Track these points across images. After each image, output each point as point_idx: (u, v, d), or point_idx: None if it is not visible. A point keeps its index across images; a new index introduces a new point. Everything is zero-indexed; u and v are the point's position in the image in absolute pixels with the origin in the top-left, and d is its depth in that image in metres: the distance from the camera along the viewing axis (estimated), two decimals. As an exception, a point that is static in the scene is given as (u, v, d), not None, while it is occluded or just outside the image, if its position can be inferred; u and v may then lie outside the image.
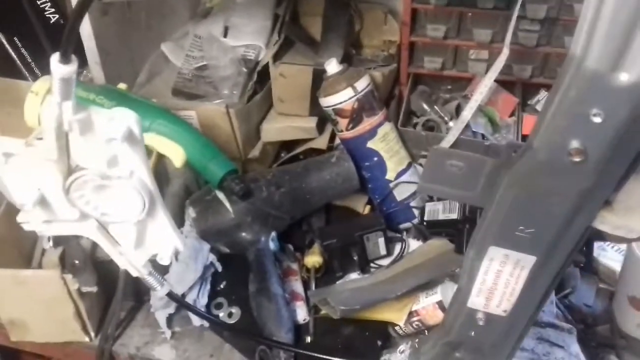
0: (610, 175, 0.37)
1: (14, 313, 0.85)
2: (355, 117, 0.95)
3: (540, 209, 0.40)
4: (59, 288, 0.79)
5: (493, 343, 0.52)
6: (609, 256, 0.98)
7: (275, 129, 1.09)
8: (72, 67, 0.42)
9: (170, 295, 0.63)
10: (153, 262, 0.59)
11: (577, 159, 0.35)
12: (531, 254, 0.44)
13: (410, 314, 0.84)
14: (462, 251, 0.86)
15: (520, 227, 0.42)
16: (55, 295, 0.80)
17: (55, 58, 0.43)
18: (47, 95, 0.87)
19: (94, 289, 0.82)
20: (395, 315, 0.83)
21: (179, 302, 0.76)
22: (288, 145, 1.15)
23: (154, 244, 0.57)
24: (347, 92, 0.93)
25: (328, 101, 0.95)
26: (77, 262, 0.83)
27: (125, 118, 0.46)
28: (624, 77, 0.31)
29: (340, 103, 0.94)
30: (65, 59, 0.43)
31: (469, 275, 0.47)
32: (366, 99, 0.95)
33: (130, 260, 0.57)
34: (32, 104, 0.88)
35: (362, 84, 0.94)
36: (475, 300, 0.48)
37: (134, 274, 0.59)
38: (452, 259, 0.86)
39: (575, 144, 0.34)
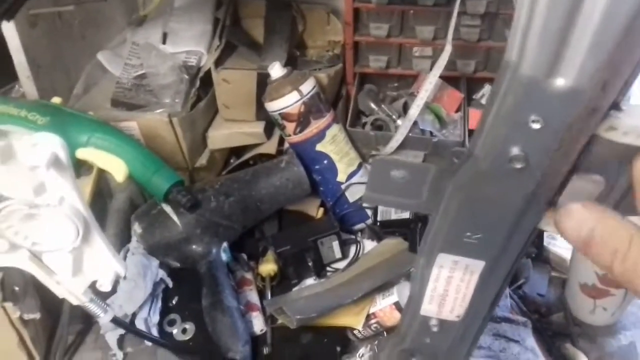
0: (553, 178, 0.37)
1: (-48, 348, 0.80)
2: (302, 121, 0.93)
3: (486, 215, 0.39)
4: (-2, 318, 0.75)
5: (448, 348, 0.51)
6: (559, 245, 1.00)
7: (222, 135, 1.06)
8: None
9: (115, 321, 0.60)
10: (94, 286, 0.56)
11: (518, 166, 0.34)
12: (480, 259, 0.43)
13: (368, 317, 0.83)
14: (415, 250, 0.86)
15: (467, 233, 0.41)
16: (-6, 326, 0.76)
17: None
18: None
19: (37, 315, 0.78)
20: (352, 319, 0.82)
21: (126, 328, 0.73)
22: (237, 151, 1.12)
23: (92, 270, 0.54)
24: (293, 96, 0.92)
25: (273, 106, 0.93)
26: (16, 288, 0.78)
27: (49, 143, 0.43)
28: (560, 83, 0.31)
29: (286, 107, 0.92)
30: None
31: (420, 282, 0.47)
32: (312, 102, 0.93)
33: (69, 289, 0.54)
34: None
35: (308, 86, 0.93)
36: (428, 308, 0.47)
37: (74, 302, 0.56)
38: (407, 259, 0.86)
39: (515, 150, 0.34)
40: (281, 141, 1.06)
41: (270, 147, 1.05)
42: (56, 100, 0.91)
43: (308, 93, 0.92)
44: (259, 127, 1.05)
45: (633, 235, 0.30)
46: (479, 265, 0.44)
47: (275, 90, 0.93)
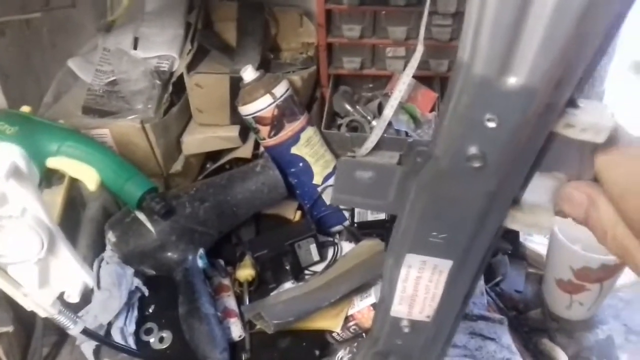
0: (514, 176, 0.37)
1: None
2: (276, 124, 0.93)
3: (449, 215, 0.39)
4: (-32, 333, 0.73)
5: (421, 348, 0.51)
6: (535, 241, 1.01)
7: (196, 140, 1.06)
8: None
9: (86, 332, 0.59)
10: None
11: (476, 165, 0.34)
12: (447, 258, 0.43)
13: (347, 319, 0.83)
14: (392, 250, 0.86)
15: (434, 233, 0.41)
16: (-36, 342, 0.74)
17: None
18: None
19: (10, 328, 0.77)
20: (331, 322, 0.82)
21: (98, 339, 0.72)
22: (213, 156, 1.12)
23: (60, 281, 0.53)
24: (266, 99, 0.91)
25: (247, 109, 0.93)
26: (-14, 302, 0.77)
27: (7, 153, 0.42)
28: (512, 81, 0.31)
29: (260, 111, 0.92)
30: None
31: (390, 283, 0.47)
32: (286, 105, 0.93)
33: (37, 301, 0.53)
34: None
35: (281, 89, 0.92)
36: (398, 309, 0.47)
37: (42, 314, 0.55)
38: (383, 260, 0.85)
39: (473, 150, 0.34)
40: (257, 145, 1.06)
41: (245, 151, 1.04)
42: (25, 109, 0.89)
43: (281, 96, 0.92)
44: (233, 131, 1.04)
45: (618, 220, 0.33)
46: (447, 264, 0.44)
47: (248, 94, 0.92)
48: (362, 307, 0.83)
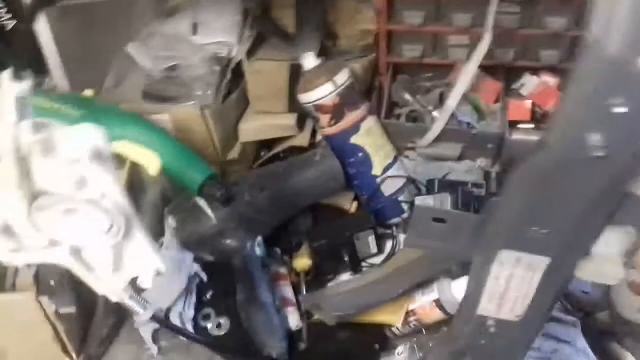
0: (631, 169, 0.34)
1: (-9, 341, 0.79)
2: (336, 113, 0.91)
3: (556, 208, 0.37)
4: (35, 311, 0.74)
5: (504, 348, 0.49)
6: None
7: (253, 128, 1.05)
8: (26, 84, 0.38)
9: (155, 317, 0.59)
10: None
11: (597, 154, 0.32)
12: (545, 255, 0.41)
13: (407, 314, 0.81)
14: (456, 245, 0.83)
15: (534, 228, 0.39)
16: (31, 319, 0.75)
17: (6, 76, 0.38)
18: None
19: (72, 309, 0.78)
20: (391, 316, 0.80)
21: (165, 324, 0.72)
22: (268, 143, 1.11)
23: (132, 266, 0.53)
24: (327, 87, 0.89)
25: (307, 97, 0.91)
26: (52, 282, 0.77)
27: (90, 135, 0.42)
28: (651, 63, 0.28)
29: (320, 99, 0.90)
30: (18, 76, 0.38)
31: (478, 281, 0.44)
32: (347, 93, 0.91)
33: (109, 285, 0.53)
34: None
35: (342, 77, 0.90)
36: (486, 307, 0.45)
37: (114, 299, 0.54)
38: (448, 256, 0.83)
39: (595, 138, 0.31)
40: (313, 133, 1.05)
41: (302, 139, 1.03)
42: (88, 92, 0.90)
43: (343, 84, 0.90)
44: (291, 120, 1.03)
45: None
46: (543, 262, 0.41)
47: (308, 82, 0.91)
48: (423, 303, 0.80)
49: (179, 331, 0.75)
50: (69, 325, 0.80)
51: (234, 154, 1.04)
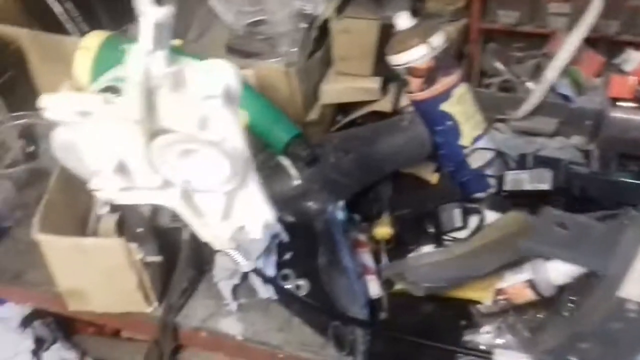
0: None
1: (74, 283, 0.80)
2: (429, 77, 0.87)
3: None
4: (122, 258, 0.74)
5: (636, 337, 0.45)
6: None
7: (335, 90, 1.02)
8: (169, 9, 0.35)
9: (256, 270, 0.57)
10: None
11: None
12: None
13: (496, 292, 0.77)
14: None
15: None
16: (118, 265, 0.75)
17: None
18: (100, 50, 0.81)
19: (158, 258, 0.77)
20: (481, 294, 0.76)
21: (266, 279, 0.70)
22: (345, 107, 1.08)
23: (242, 215, 0.51)
24: (421, 49, 0.85)
25: (399, 59, 0.87)
26: (139, 230, 0.77)
27: (224, 72, 0.40)
28: None
29: (414, 61, 0.86)
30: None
31: (624, 260, 0.40)
32: (442, 57, 0.86)
33: (216, 233, 0.51)
34: (83, 61, 0.82)
35: (438, 40, 0.86)
36: (630, 290, 0.41)
37: (218, 247, 0.53)
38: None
39: None
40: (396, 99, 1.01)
41: (385, 104, 1.00)
42: (176, 42, 0.88)
43: (438, 47, 0.86)
44: (375, 83, 0.99)
45: None
46: None
47: (401, 42, 0.87)
48: (514, 282, 0.76)
49: (280, 288, 0.74)
50: (153, 274, 0.80)
51: (313, 115, 1.02)
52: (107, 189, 0.47)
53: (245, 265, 0.55)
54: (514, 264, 0.78)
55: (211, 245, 0.52)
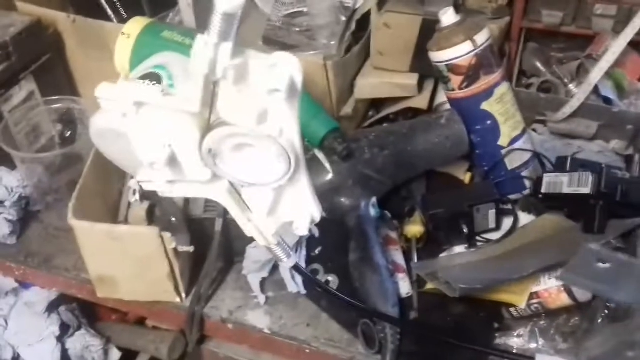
0: None
1: (104, 270, 0.80)
2: (471, 75, 0.85)
3: None
4: (156, 247, 0.74)
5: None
6: None
7: (371, 85, 1.00)
8: (240, 0, 0.34)
9: (296, 267, 0.57)
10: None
11: None
12: None
13: (530, 296, 0.76)
14: (592, 231, 0.77)
15: None
16: (150, 254, 0.75)
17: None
18: (140, 37, 0.81)
19: (191, 248, 0.77)
20: (516, 297, 0.75)
21: (308, 277, 0.69)
22: (376, 103, 1.06)
23: (288, 211, 0.50)
24: (465, 46, 0.83)
25: (442, 56, 0.85)
26: (173, 219, 0.77)
27: (289, 66, 0.39)
28: None
29: (456, 58, 0.84)
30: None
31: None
32: (485, 55, 0.84)
33: (260, 228, 0.51)
34: (124, 48, 0.81)
35: (483, 37, 0.84)
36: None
37: (262, 243, 0.52)
38: (579, 240, 0.77)
39: None
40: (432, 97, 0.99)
41: (422, 101, 0.98)
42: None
43: (482, 44, 0.84)
44: (412, 79, 0.97)
45: None
46: None
47: (445, 39, 0.85)
48: (550, 286, 0.75)
49: (321, 286, 0.73)
50: (183, 263, 0.80)
51: (347, 110, 1.00)
52: (154, 181, 0.46)
53: (288, 262, 0.54)
54: (550, 267, 0.77)
55: (256, 240, 0.51)
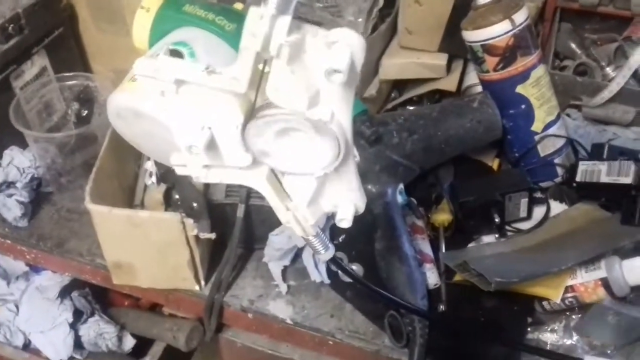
0: None
1: (122, 256, 0.77)
2: (507, 56, 0.81)
3: None
4: (177, 233, 0.70)
5: None
6: None
7: (397, 65, 0.96)
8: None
9: (334, 260, 0.53)
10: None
11: None
12: None
13: (565, 290, 0.73)
14: (631, 222, 0.74)
15: None
16: (171, 241, 0.72)
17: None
18: (160, 11, 0.76)
19: (212, 235, 0.74)
20: (551, 291, 0.72)
21: (342, 268, 0.66)
22: (399, 85, 1.02)
23: (330, 201, 0.47)
24: (503, 26, 0.79)
25: (477, 35, 0.81)
26: (195, 205, 0.74)
27: (350, 43, 0.35)
28: None
29: (493, 38, 0.80)
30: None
31: None
32: (523, 35, 0.80)
33: (299, 218, 0.47)
34: (142, 22, 0.77)
35: (521, 16, 0.79)
36: None
37: (299, 233, 0.49)
38: (619, 231, 0.74)
39: None
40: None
41: (450, 83, 0.94)
42: (238, 5, 0.83)
43: (521, 24, 0.79)
44: (442, 59, 0.93)
45: None
46: None
47: (482, 17, 0.80)
48: (587, 280, 0.72)
49: (356, 279, 0.70)
50: (204, 251, 0.77)
51: (372, 91, 0.96)
52: (189, 166, 0.43)
53: (326, 254, 0.50)
54: (588, 260, 0.73)
55: (294, 231, 0.48)
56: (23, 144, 0.89)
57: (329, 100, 0.38)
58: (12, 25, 0.85)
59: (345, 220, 0.46)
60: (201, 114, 0.40)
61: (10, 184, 0.87)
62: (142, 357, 0.92)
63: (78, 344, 0.91)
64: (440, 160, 0.87)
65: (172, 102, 0.39)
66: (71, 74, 0.90)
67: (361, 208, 0.46)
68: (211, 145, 0.42)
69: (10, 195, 0.86)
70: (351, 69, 0.35)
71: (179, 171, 0.45)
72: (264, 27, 0.33)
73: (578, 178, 0.83)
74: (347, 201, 0.46)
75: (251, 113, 0.39)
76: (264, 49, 0.34)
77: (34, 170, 0.88)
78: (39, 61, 0.92)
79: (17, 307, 0.94)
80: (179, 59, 0.38)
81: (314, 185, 0.44)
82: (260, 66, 0.37)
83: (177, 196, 0.81)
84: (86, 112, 0.90)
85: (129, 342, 0.93)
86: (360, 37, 0.36)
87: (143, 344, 0.94)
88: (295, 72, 0.35)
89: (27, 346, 0.94)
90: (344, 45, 0.35)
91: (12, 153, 0.88)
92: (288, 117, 0.38)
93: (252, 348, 0.85)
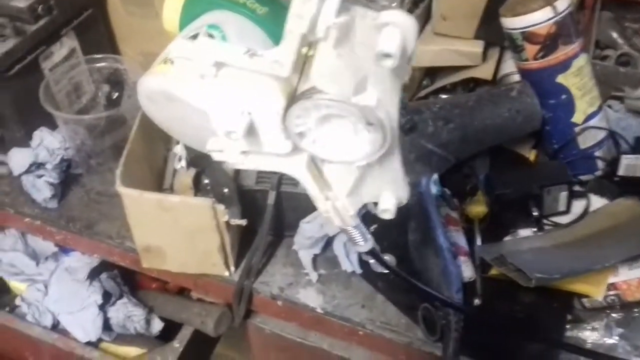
0: None
1: (152, 240, 0.76)
2: (548, 44, 0.78)
3: None
4: (208, 219, 0.70)
5: None
6: None
7: (431, 52, 0.93)
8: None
9: (373, 252, 0.52)
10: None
11: None
12: None
13: (607, 287, 0.70)
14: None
15: None
16: (202, 226, 0.71)
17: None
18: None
19: (243, 221, 0.73)
20: (592, 288, 0.70)
21: (382, 261, 0.64)
22: (431, 72, 0.99)
23: (371, 192, 0.45)
24: (545, 13, 0.76)
25: (517, 22, 0.78)
26: (226, 190, 0.73)
27: (402, 26, 0.33)
28: None
29: (534, 25, 0.77)
30: None
31: None
32: (565, 23, 0.77)
33: (338, 208, 0.46)
34: (173, 5, 0.75)
35: (564, 3, 0.76)
36: None
37: (338, 224, 0.47)
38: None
39: None
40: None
41: (486, 71, 0.91)
42: (271, -11, 0.81)
43: (563, 11, 0.76)
44: (478, 47, 0.90)
45: None
46: None
47: (522, 4, 0.77)
48: (630, 278, 0.70)
49: (394, 271, 0.68)
50: (233, 237, 0.76)
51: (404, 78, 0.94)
52: (227, 152, 0.41)
53: (365, 246, 0.49)
54: (631, 257, 0.71)
55: (333, 221, 0.46)
56: (52, 126, 0.89)
57: (377, 86, 0.36)
58: (41, 5, 0.85)
59: (388, 212, 0.45)
60: (241, 99, 0.38)
61: (40, 165, 0.87)
62: (169, 340, 0.92)
63: (106, 326, 0.92)
64: (476, 150, 0.84)
65: (211, 85, 0.38)
66: (100, 55, 0.90)
67: (404, 199, 0.45)
68: (250, 131, 0.40)
69: (40, 176, 0.86)
70: (402, 54, 0.33)
71: (216, 157, 0.43)
72: (312, 9, 0.31)
73: (621, 172, 0.80)
74: (389, 192, 0.44)
75: (293, 98, 0.37)
76: (310, 32, 0.32)
77: (64, 152, 0.87)
78: (68, 43, 0.92)
79: (45, 287, 0.94)
80: (219, 41, 0.36)
81: (356, 174, 0.43)
82: (305, 49, 0.35)
83: (206, 181, 0.80)
84: (116, 94, 0.89)
85: (157, 325, 0.93)
86: (413, 19, 0.34)
87: (171, 327, 0.94)
88: (342, 56, 0.34)
89: (55, 326, 0.95)
90: (395, 28, 0.33)
91: (42, 134, 0.87)
92: (332, 102, 0.36)
93: (281, 335, 0.84)
